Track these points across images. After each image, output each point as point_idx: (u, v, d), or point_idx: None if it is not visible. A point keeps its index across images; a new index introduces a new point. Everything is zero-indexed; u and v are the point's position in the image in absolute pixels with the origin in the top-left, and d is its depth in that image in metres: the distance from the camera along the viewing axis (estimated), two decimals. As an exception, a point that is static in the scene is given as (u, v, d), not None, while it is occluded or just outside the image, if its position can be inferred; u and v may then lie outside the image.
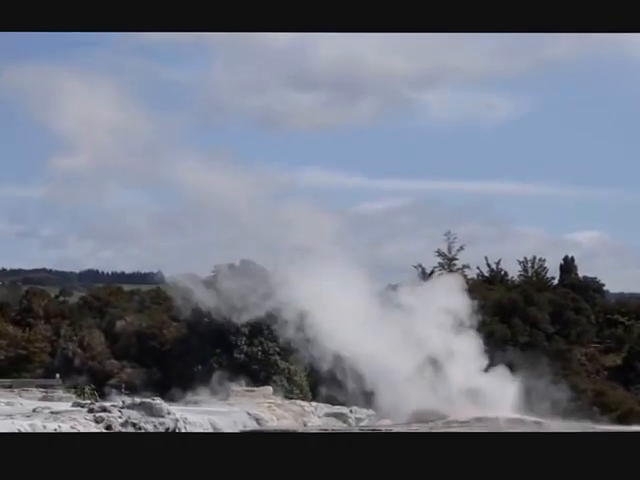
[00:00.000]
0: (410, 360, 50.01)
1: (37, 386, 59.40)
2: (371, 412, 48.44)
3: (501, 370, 52.05)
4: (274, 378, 59.42)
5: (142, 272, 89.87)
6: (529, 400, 51.08)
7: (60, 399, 49.09)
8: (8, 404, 42.58)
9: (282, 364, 61.54)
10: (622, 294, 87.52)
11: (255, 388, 53.63)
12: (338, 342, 49.61)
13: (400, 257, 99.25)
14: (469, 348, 51.74)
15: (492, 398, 49.59)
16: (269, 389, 53.80)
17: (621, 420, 55.15)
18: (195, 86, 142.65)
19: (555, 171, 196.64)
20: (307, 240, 51.21)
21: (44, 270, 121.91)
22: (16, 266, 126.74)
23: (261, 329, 60.02)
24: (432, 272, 76.88)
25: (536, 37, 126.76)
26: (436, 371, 50.50)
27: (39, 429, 34.78)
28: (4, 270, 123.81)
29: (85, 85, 52.38)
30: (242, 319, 56.51)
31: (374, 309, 50.74)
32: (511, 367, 53.90)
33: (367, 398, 49.29)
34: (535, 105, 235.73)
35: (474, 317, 52.40)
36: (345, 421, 46.67)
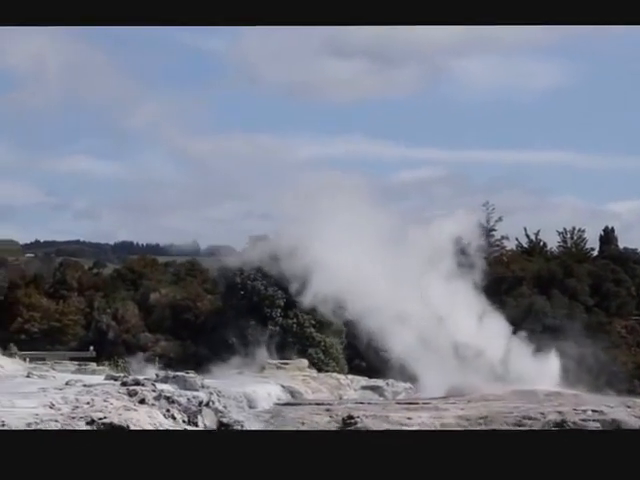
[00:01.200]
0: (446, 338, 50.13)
1: (70, 359, 59.65)
2: (408, 385, 48.42)
3: (540, 342, 52.06)
4: (309, 351, 59.45)
5: (177, 244, 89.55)
6: (568, 373, 51.11)
7: (93, 372, 49.28)
8: (41, 377, 42.71)
9: (317, 337, 61.57)
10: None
11: (290, 361, 53.68)
12: (376, 317, 49.69)
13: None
14: (499, 326, 51.96)
15: (530, 371, 49.59)
16: (304, 362, 53.81)
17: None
18: (229, 56, 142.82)
19: (593, 141, 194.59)
20: (333, 210, 51.24)
21: (77, 242, 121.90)
22: (50, 238, 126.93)
23: (295, 301, 59.92)
24: (468, 244, 76.46)
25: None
26: (473, 349, 50.58)
27: (71, 402, 34.90)
28: (37, 242, 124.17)
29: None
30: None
31: (414, 287, 50.80)
32: (551, 339, 53.92)
33: (404, 371, 49.32)
34: (574, 74, 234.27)
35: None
36: (381, 394, 46.58)
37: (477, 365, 49.39)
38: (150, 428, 33.43)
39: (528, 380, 46.89)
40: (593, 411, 37.48)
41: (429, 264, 51.07)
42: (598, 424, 36.12)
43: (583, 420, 36.46)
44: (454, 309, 51.36)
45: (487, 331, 51.02)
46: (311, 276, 50.30)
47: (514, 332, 54.79)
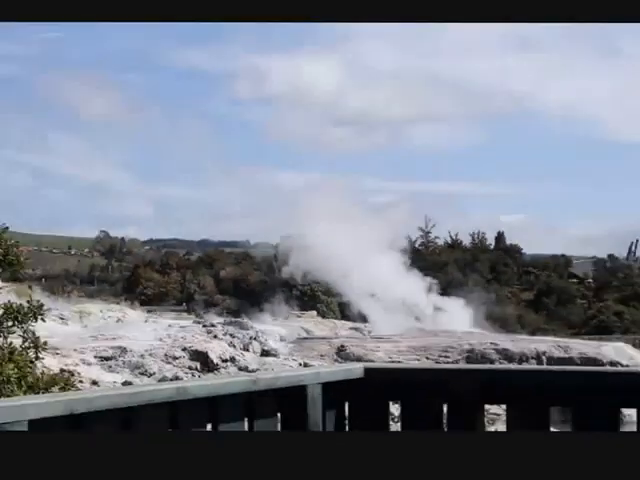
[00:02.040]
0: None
1: (171, 311, 59.91)
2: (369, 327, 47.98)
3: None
4: (317, 306, 59.32)
5: (236, 240, 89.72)
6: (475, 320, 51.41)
7: (186, 319, 49.46)
8: (154, 322, 42.89)
9: (322, 297, 61.48)
10: (534, 254, 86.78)
11: (305, 312, 53.81)
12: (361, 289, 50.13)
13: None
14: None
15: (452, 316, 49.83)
16: (314, 313, 53.97)
17: (533, 334, 54.71)
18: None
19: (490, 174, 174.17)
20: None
21: (176, 239, 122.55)
22: (158, 236, 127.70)
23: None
24: (415, 241, 76.61)
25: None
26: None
27: (172, 337, 35.02)
28: (151, 239, 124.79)
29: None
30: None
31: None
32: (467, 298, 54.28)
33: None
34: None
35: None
36: (361, 332, 46.61)
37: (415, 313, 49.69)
38: (220, 353, 33.57)
39: (451, 323, 47.17)
40: (491, 343, 37.54)
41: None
42: (494, 351, 36.19)
43: (484, 349, 36.51)
44: (396, 276, 51.82)
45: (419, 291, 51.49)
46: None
47: (442, 294, 55.16)
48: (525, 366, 28.19)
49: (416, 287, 53.64)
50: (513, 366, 22.57)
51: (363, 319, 49.40)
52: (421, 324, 46.58)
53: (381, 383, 3.88)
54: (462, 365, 28.36)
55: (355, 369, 3.86)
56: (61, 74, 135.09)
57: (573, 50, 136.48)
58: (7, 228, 6.41)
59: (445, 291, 56.85)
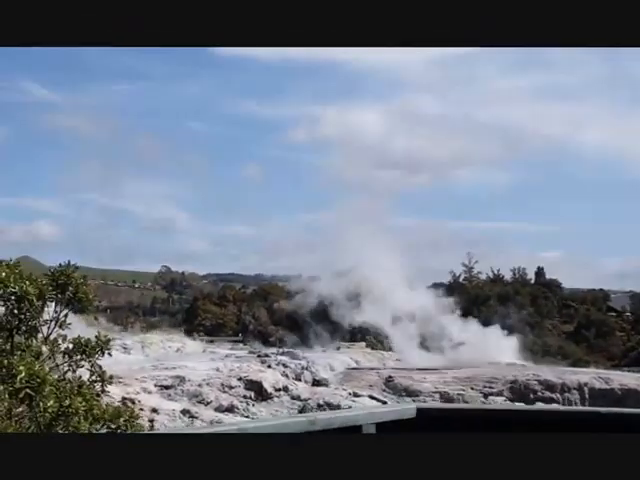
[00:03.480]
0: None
1: (228, 341, 59.96)
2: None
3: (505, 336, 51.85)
4: (366, 338, 58.94)
5: (288, 274, 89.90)
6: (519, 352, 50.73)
7: (241, 349, 49.46)
8: (212, 352, 42.98)
9: (371, 330, 61.05)
10: (573, 288, 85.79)
11: (355, 343, 53.55)
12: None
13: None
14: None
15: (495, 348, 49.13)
16: (363, 344, 53.66)
17: (573, 365, 53.79)
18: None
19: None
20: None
21: (232, 274, 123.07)
22: (216, 271, 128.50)
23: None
24: (459, 276, 76.08)
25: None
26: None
27: (228, 367, 34.99)
28: (209, 274, 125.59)
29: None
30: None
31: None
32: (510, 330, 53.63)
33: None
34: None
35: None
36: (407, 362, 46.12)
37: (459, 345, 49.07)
38: (273, 383, 33.45)
39: (494, 354, 46.55)
40: (534, 374, 37.00)
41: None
42: (536, 382, 35.67)
43: (527, 380, 36.00)
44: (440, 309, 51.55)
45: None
46: None
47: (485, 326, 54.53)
48: (575, 408, 27.82)
49: (460, 320, 53.20)
50: (562, 407, 22.32)
51: (408, 350, 48.94)
52: (465, 355, 46.00)
53: (433, 422, 3.80)
54: (512, 405, 28.03)
55: (408, 409, 3.79)
56: (129, 121, 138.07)
57: (607, 96, 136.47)
58: (77, 267, 6.48)
59: (488, 323, 56.20)
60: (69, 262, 6.64)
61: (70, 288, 6.58)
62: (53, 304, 6.76)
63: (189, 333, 58.05)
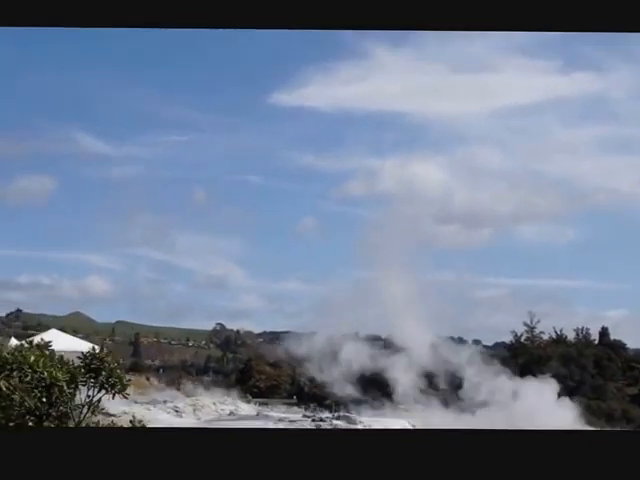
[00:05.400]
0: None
1: (283, 404, 59.29)
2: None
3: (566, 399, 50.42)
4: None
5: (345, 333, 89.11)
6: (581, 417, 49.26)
7: (295, 412, 48.84)
8: (265, 415, 42.51)
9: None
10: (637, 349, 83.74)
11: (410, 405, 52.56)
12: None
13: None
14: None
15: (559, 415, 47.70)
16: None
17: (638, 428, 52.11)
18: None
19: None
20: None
21: (288, 332, 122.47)
22: (271, 329, 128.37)
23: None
24: (521, 335, 74.78)
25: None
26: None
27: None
28: (265, 332, 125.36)
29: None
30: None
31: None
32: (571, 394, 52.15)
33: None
34: None
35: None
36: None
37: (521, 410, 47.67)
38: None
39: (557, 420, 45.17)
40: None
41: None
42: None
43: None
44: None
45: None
46: None
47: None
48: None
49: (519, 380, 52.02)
50: None
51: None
52: (528, 422, 44.68)
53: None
54: None
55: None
56: (181, 173, 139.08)
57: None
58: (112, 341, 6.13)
59: (550, 385, 54.82)
60: (113, 327, 6.32)
61: (103, 372, 6.31)
62: (85, 388, 6.48)
63: (243, 394, 57.56)
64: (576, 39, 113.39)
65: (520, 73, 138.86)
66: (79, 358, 6.36)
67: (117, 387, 6.35)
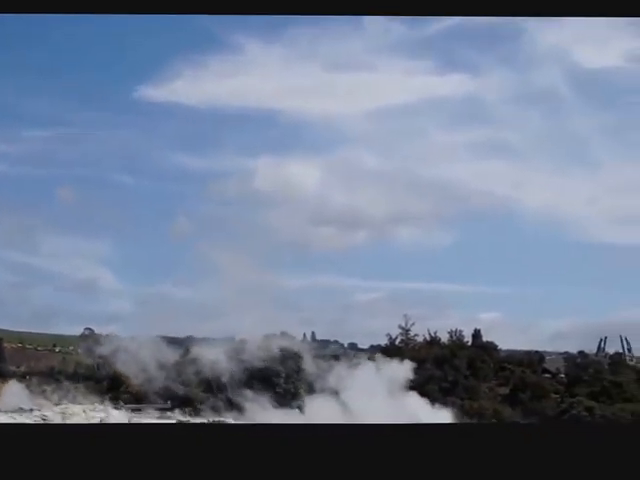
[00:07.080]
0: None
1: (156, 409, 57.71)
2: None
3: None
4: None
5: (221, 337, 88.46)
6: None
7: (169, 417, 47.64)
8: (138, 421, 41.15)
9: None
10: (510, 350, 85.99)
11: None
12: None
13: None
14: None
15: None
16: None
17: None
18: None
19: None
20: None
21: (164, 336, 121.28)
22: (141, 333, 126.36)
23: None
24: (395, 338, 75.70)
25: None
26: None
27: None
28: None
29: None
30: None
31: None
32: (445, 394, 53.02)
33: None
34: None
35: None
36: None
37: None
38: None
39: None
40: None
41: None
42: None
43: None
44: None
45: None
46: None
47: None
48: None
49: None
50: None
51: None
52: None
53: None
54: None
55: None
56: (51, 173, 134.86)
57: (549, 155, 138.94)
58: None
59: (423, 387, 55.56)
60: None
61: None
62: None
63: (115, 400, 55.86)
64: (453, 39, 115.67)
65: (396, 73, 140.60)
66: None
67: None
